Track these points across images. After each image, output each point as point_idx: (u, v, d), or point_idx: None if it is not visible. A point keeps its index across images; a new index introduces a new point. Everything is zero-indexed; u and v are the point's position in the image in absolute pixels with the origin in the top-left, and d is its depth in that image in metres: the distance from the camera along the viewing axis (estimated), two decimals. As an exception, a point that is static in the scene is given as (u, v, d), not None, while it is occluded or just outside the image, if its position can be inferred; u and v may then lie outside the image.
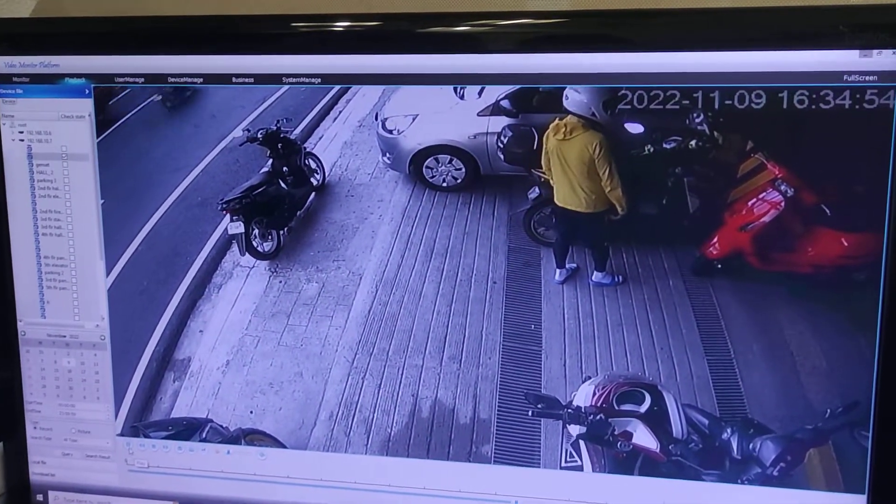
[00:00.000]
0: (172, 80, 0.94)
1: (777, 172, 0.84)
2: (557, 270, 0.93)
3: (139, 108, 0.96)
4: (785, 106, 0.83)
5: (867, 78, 0.81)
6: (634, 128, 0.87)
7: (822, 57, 0.82)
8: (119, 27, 0.95)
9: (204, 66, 0.94)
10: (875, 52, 0.80)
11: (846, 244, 0.84)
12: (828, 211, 0.84)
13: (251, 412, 1.00)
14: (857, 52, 0.81)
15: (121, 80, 0.96)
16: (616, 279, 0.91)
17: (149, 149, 0.97)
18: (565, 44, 0.87)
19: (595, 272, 0.92)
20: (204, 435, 1.03)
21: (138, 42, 0.96)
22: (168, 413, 1.03)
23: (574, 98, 0.87)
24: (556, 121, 0.89)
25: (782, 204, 0.84)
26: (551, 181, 0.90)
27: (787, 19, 0.83)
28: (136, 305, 1.01)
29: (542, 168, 0.89)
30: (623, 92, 0.85)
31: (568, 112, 0.89)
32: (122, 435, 1.04)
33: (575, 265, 0.91)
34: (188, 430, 1.04)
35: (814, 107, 0.82)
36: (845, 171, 0.83)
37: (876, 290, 0.84)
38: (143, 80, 0.95)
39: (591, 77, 0.86)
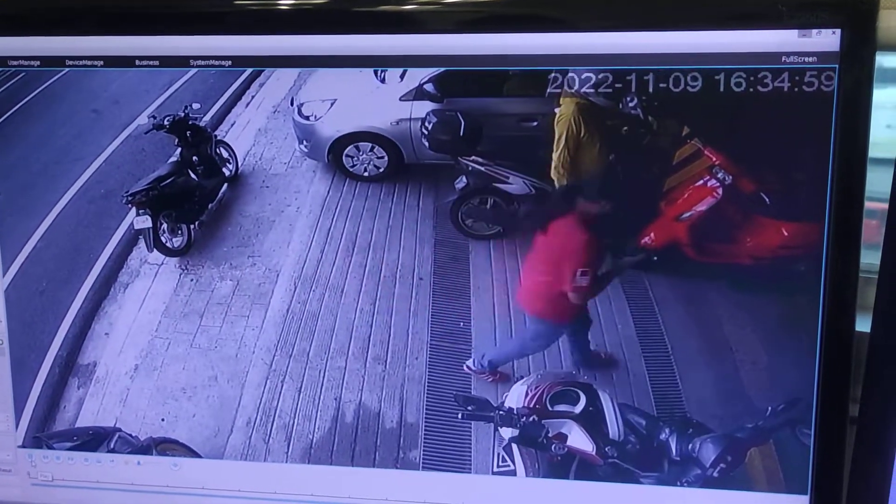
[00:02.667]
0: (71, 62, 0.91)
1: (714, 159, 0.83)
2: None
3: (35, 93, 0.91)
4: (722, 89, 0.82)
5: (806, 59, 0.80)
6: (566, 112, 0.84)
7: (759, 37, 0.81)
8: (11, 6, 0.90)
9: (105, 47, 0.91)
10: (814, 31, 0.79)
11: (786, 234, 0.83)
12: (767, 199, 0.83)
13: (162, 420, 0.97)
14: (795, 31, 0.80)
15: (14, 63, 0.92)
16: None
17: (46, 137, 0.94)
18: (491, 24, 0.85)
19: None
20: (112, 445, 1.00)
21: (32, 22, 0.91)
22: (73, 422, 1.00)
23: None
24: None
25: (720, 192, 0.83)
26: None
27: (724, -2, 0.81)
28: (35, 307, 0.98)
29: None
30: (553, 75, 0.82)
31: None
32: (23, 446, 1.01)
33: None
34: (95, 440, 1.01)
35: (751, 90, 0.81)
36: (785, 157, 0.83)
37: (817, 282, 0.84)
38: (38, 63, 0.92)
39: (520, 59, 0.84)
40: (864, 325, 0.84)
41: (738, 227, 0.85)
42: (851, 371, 0.85)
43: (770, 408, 0.88)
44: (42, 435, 1.01)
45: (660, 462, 0.91)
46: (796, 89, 0.81)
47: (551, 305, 0.90)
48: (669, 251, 0.87)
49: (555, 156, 0.87)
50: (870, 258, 0.84)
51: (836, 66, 0.80)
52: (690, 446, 0.89)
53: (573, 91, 0.84)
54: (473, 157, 0.88)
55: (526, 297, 0.90)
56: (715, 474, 0.90)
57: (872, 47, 0.80)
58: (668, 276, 0.88)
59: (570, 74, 0.84)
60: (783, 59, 0.81)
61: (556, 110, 0.86)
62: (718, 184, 0.84)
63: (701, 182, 0.85)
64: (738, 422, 0.89)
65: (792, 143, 0.83)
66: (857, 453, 0.86)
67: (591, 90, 0.84)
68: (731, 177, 0.84)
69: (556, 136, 0.86)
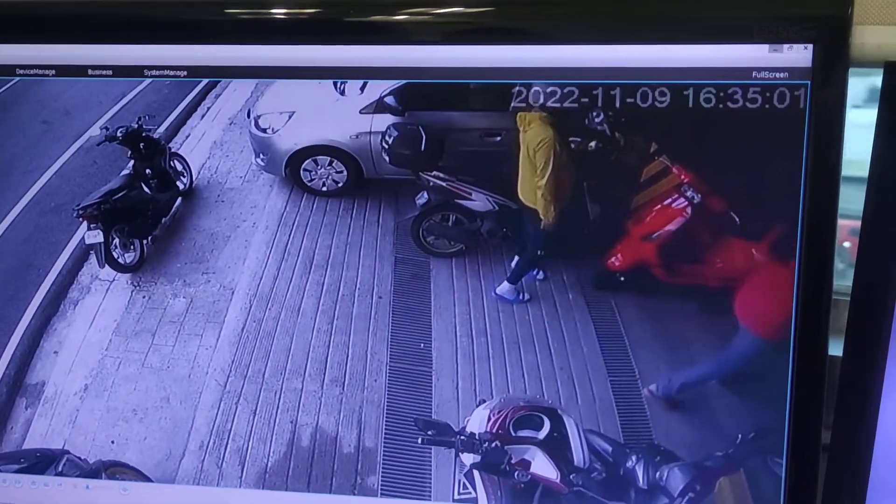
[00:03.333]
0: (21, 71, 0.88)
1: (683, 177, 0.80)
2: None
3: (-18, 103, 0.89)
4: (690, 105, 0.79)
5: (777, 75, 0.78)
6: (529, 127, 0.81)
7: (729, 52, 0.79)
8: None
9: (57, 56, 0.89)
10: (786, 46, 0.77)
11: (757, 255, 0.79)
12: (737, 219, 0.81)
13: (113, 442, 0.94)
14: (766, 46, 0.78)
15: (-39, 71, 0.88)
16: (521, 296, 0.86)
17: (-6, 149, 0.90)
18: (454, 36, 0.83)
19: (505, 283, 0.86)
20: (60, 468, 0.97)
21: (-19, 29, 0.88)
22: (20, 444, 0.97)
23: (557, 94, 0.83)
24: (521, 112, 0.84)
25: (689, 211, 0.81)
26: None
27: (693, 11, 0.79)
28: (-19, 324, 0.93)
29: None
30: (518, 88, 0.80)
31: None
32: (-33, 469, 0.96)
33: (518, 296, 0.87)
34: (42, 462, 0.98)
35: (721, 106, 0.79)
36: (756, 175, 0.81)
37: (789, 306, 0.80)
38: (-14, 71, 0.88)
39: (483, 72, 0.82)
40: (836, 349, 0.81)
41: (708, 248, 0.83)
42: (824, 397, 0.82)
43: (740, 436, 0.86)
44: (-13, 457, 0.96)
45: (626, 491, 0.89)
46: (767, 106, 0.79)
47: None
48: (636, 272, 0.85)
49: (541, 182, 0.85)
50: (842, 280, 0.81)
51: (808, 82, 0.78)
52: (658, 474, 0.86)
53: (539, 105, 0.81)
54: (435, 173, 0.86)
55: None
56: (683, 503, 0.86)
57: (845, 63, 0.78)
58: (635, 297, 0.86)
59: (534, 89, 0.81)
60: (753, 74, 0.79)
61: (522, 132, 0.82)
62: (687, 202, 0.82)
63: (669, 200, 0.82)
64: (708, 450, 0.87)
65: (763, 161, 0.81)
66: (829, 482, 0.83)
67: (558, 104, 0.81)
68: (700, 195, 0.82)
69: (540, 164, 0.85)
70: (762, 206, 0.82)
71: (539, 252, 0.87)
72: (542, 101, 0.82)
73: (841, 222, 0.81)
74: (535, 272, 0.88)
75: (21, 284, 0.95)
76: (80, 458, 0.97)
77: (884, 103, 0.76)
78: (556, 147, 0.83)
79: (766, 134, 0.81)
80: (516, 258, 0.88)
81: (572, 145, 0.83)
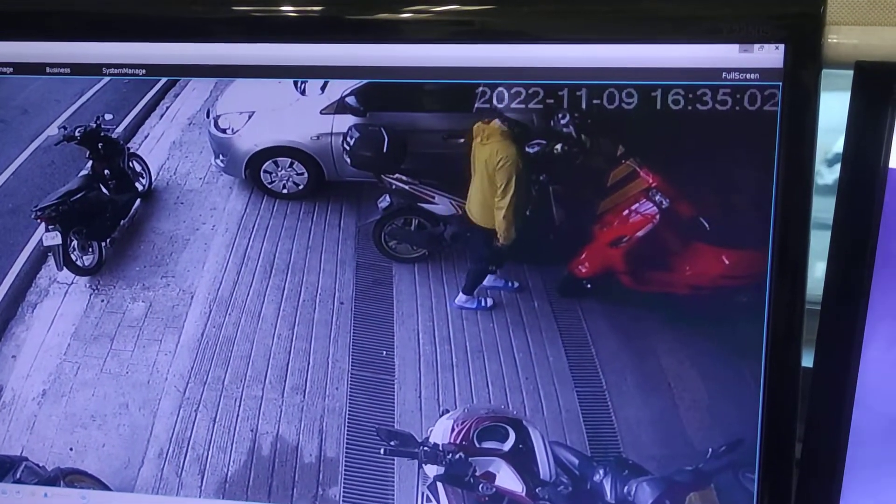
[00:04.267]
0: (-23, 70, 0.86)
1: (651, 181, 0.79)
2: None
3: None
4: (659, 106, 0.78)
5: (748, 76, 0.76)
6: (495, 129, 0.80)
7: (698, 52, 0.77)
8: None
9: (14, 53, 0.88)
10: (756, 46, 0.75)
11: (727, 262, 0.79)
12: (707, 225, 0.79)
13: (71, 449, 0.93)
14: (736, 46, 0.76)
15: (-84, 69, 0.87)
16: (482, 303, 0.84)
17: (-52, 149, 0.89)
18: (416, 34, 0.81)
19: (461, 294, 0.84)
20: (18, 475, 0.96)
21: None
22: (-23, 450, 0.93)
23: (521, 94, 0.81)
24: (479, 123, 0.82)
25: (657, 217, 0.79)
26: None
27: (661, 9, 0.77)
28: (-62, 327, 0.92)
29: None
30: (481, 89, 0.78)
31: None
32: (-77, 475, 0.95)
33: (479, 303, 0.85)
34: (0, 469, 0.96)
35: (690, 108, 0.77)
36: (726, 180, 0.79)
37: (760, 315, 0.79)
38: (-58, 69, 0.87)
39: (447, 72, 0.80)
40: (808, 360, 0.79)
41: (677, 255, 0.81)
42: (798, 409, 0.80)
43: (711, 449, 0.84)
44: (-56, 463, 0.95)
45: (594, 505, 0.84)
46: (737, 108, 0.77)
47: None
48: (604, 279, 0.83)
49: (503, 203, 0.84)
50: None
51: (780, 83, 0.76)
52: (626, 489, 0.84)
53: (501, 111, 0.79)
54: (397, 175, 0.84)
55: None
56: (653, 520, 0.83)
57: (818, 64, 0.76)
58: (602, 305, 0.84)
59: (498, 90, 0.79)
60: (723, 75, 0.77)
61: (476, 144, 0.81)
62: (655, 207, 0.80)
63: (637, 205, 0.80)
64: (677, 464, 0.85)
65: (733, 164, 0.79)
66: (800, 495, 0.81)
67: (522, 106, 0.79)
68: (668, 200, 0.80)
69: (502, 184, 0.83)
70: (733, 211, 0.79)
71: (491, 268, 0.85)
72: (506, 101, 0.80)
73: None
74: (509, 283, 0.86)
75: (-22, 287, 0.93)
76: (38, 465, 0.96)
77: (854, 104, 0.73)
78: (519, 165, 0.81)
79: (736, 136, 0.79)
80: (467, 270, 0.85)
81: (533, 154, 0.80)
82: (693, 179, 0.81)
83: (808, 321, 0.80)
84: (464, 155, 0.82)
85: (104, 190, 0.93)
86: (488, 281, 0.86)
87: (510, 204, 0.82)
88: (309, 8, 0.83)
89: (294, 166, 0.90)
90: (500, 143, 0.82)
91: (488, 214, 0.84)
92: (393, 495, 0.89)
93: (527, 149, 0.82)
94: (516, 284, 0.86)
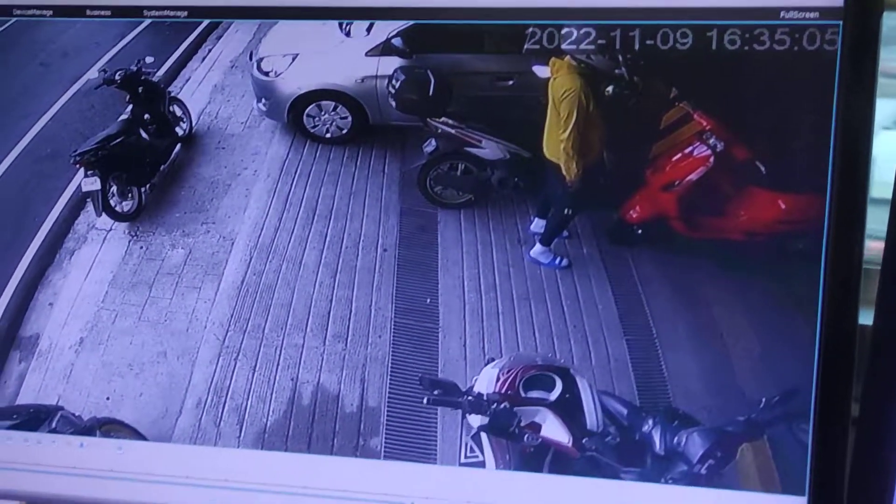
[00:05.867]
0: (18, 11, 0.87)
1: (705, 124, 0.78)
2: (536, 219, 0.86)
3: (-22, 44, 0.87)
4: (714, 47, 0.77)
5: (807, 15, 0.75)
6: (542, 71, 0.80)
7: (756, -10, 0.74)
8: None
9: (54, -5, 0.85)
10: (816, -16, 0.73)
11: (783, 207, 0.79)
12: (762, 168, 0.78)
13: (108, 398, 0.93)
14: (796, -16, 0.73)
15: (-42, 11, 0.87)
16: (558, 261, 0.83)
17: (-12, 92, 0.89)
18: (465, -28, 0.79)
19: (538, 245, 0.85)
20: (54, 425, 0.95)
21: (-23, -34, 0.86)
22: (13, 399, 0.96)
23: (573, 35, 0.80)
24: (554, 58, 0.81)
25: (711, 160, 0.78)
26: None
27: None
28: (-25, 274, 0.92)
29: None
30: (531, 30, 0.77)
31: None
32: (-41, 424, 0.95)
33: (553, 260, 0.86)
34: (35, 418, 0.96)
35: (746, 48, 0.76)
36: (782, 122, 0.78)
37: (817, 261, 0.78)
38: (-18, 11, 0.87)
39: (495, 12, 0.79)
40: (865, 318, 0.78)
41: (731, 199, 0.80)
42: (855, 359, 0.79)
43: (764, 400, 0.83)
44: (-20, 413, 0.95)
45: (642, 456, 0.85)
46: (795, 48, 0.76)
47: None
48: (655, 225, 0.82)
49: (563, 136, 0.83)
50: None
51: (840, 22, 0.74)
52: (676, 440, 0.83)
53: (569, 50, 0.78)
54: (443, 119, 0.84)
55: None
56: (703, 471, 0.84)
57: (880, 2, 0.74)
58: (653, 252, 0.83)
59: (549, 30, 0.78)
60: (782, 14, 0.76)
61: (551, 79, 0.80)
62: (709, 151, 0.79)
63: (690, 149, 0.80)
64: (729, 414, 0.84)
65: (790, 106, 0.79)
66: (857, 454, 0.80)
67: (573, 47, 0.78)
68: (722, 143, 0.79)
69: (564, 115, 0.82)
70: (789, 154, 0.78)
71: (567, 211, 0.84)
72: (556, 43, 0.78)
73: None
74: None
75: (16, 233, 0.94)
76: (74, 414, 0.95)
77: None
78: (582, 98, 0.81)
79: (794, 77, 0.78)
80: (535, 220, 0.86)
81: (600, 97, 0.79)
82: (748, 122, 0.80)
83: (868, 281, 0.78)
84: (525, 88, 0.80)
85: (144, 134, 0.92)
86: (535, 226, 0.85)
87: (570, 137, 0.81)
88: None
89: (338, 110, 0.89)
90: (567, 75, 0.82)
91: (556, 147, 0.83)
92: (435, 446, 0.88)
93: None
94: (565, 233, 0.85)
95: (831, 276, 0.78)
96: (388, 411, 0.88)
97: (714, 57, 0.77)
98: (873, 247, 0.77)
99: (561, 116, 0.81)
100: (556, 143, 0.82)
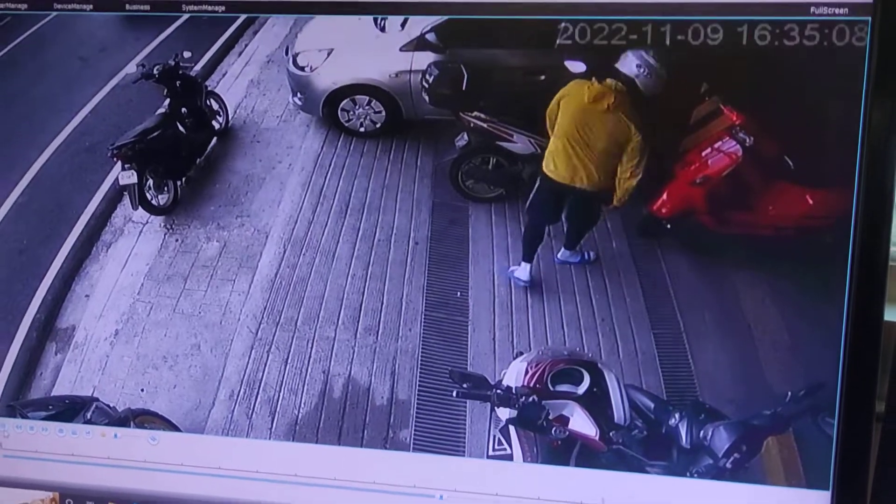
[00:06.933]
0: (59, 6, 0.88)
1: (735, 119, 0.78)
2: (526, 267, 0.87)
3: (20, 38, 0.88)
4: (744, 42, 0.77)
5: (836, 11, 0.75)
6: (576, 66, 0.80)
7: (787, -15, 0.75)
8: (-3, -54, 0.88)
9: (95, -10, 0.86)
10: (846, -20, 0.73)
11: (811, 202, 0.79)
12: (791, 164, 0.78)
13: (142, 390, 0.94)
14: (826, -20, 0.74)
15: (0, 6, 0.88)
16: (586, 256, 0.84)
17: (31, 86, 0.91)
18: (498, -31, 0.79)
19: (563, 250, 0.85)
20: (89, 416, 0.96)
21: (20, -36, 0.88)
22: (48, 390, 0.97)
23: (633, 63, 0.80)
24: (594, 82, 0.83)
25: (740, 155, 0.79)
26: (538, 144, 0.83)
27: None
28: (14, 266, 0.96)
29: (533, 127, 0.84)
30: (564, 25, 0.78)
31: (620, 76, 0.82)
32: (-4, 414, 0.96)
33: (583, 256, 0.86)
34: (71, 409, 0.97)
35: (777, 43, 0.76)
36: (812, 118, 0.78)
37: (844, 255, 0.78)
38: (25, 6, 0.88)
39: (529, 7, 0.79)
40: (890, 315, 0.78)
41: (760, 194, 0.80)
42: (880, 353, 0.79)
43: (790, 393, 0.83)
44: (16, 403, 0.97)
45: (668, 450, 0.85)
46: (825, 43, 0.76)
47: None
48: (684, 219, 0.82)
49: (630, 177, 0.85)
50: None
51: (870, 18, 0.75)
52: (702, 433, 0.83)
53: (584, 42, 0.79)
54: (476, 114, 0.84)
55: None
56: (728, 465, 0.84)
57: (909, -1, 0.74)
58: (681, 245, 0.83)
59: (580, 25, 0.78)
60: (812, 9, 0.77)
61: (598, 109, 0.83)
62: (739, 146, 0.79)
63: (720, 143, 0.80)
64: (755, 408, 0.84)
65: (819, 102, 0.79)
66: (883, 449, 0.79)
67: (604, 42, 0.79)
68: (752, 138, 0.79)
69: (634, 159, 0.84)
70: (818, 149, 0.78)
71: (598, 221, 0.85)
72: (588, 38, 0.79)
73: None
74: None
75: (54, 226, 0.95)
76: (108, 405, 0.96)
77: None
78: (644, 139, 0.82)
79: (823, 73, 0.78)
80: (563, 250, 0.87)
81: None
82: (778, 117, 0.80)
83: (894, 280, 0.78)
84: (546, 92, 0.82)
85: (181, 128, 0.93)
86: (563, 255, 0.86)
87: (639, 174, 0.82)
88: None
89: (372, 104, 0.90)
90: (630, 115, 0.84)
91: (607, 180, 0.84)
92: (464, 438, 0.89)
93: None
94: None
95: (858, 271, 0.78)
96: (417, 404, 0.89)
97: (744, 52, 0.78)
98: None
99: (628, 158, 0.82)
100: (607, 175, 0.84)
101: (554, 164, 0.84)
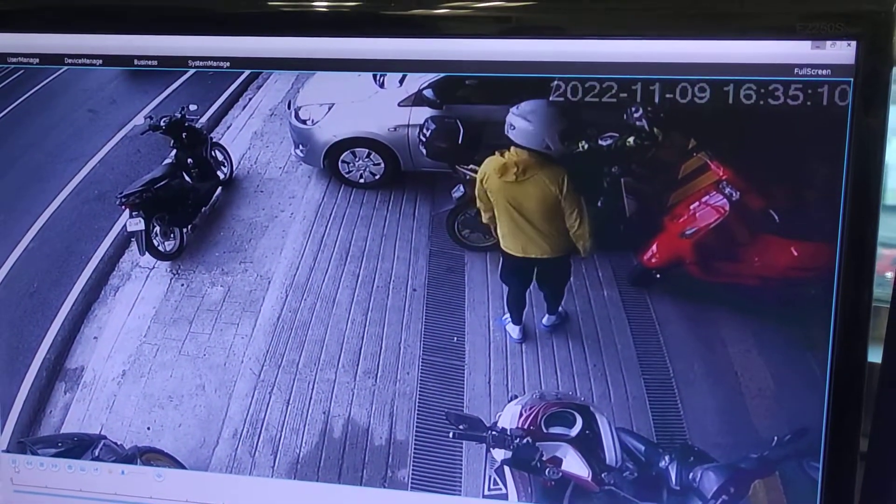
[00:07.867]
0: (70, 61, 0.90)
1: (721, 174, 0.80)
2: (516, 327, 0.89)
3: (32, 91, 0.90)
4: (731, 101, 0.79)
5: (819, 72, 0.77)
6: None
7: (771, 48, 0.78)
8: (12, 3, 0.90)
9: (104, 46, 0.91)
10: (828, 43, 0.77)
11: (796, 254, 0.80)
12: (776, 217, 0.80)
13: (148, 428, 0.95)
14: (808, 42, 0.77)
15: (13, 60, 0.92)
16: (564, 314, 0.86)
17: (42, 136, 0.94)
18: (493, 29, 0.82)
19: (547, 315, 0.88)
20: (96, 453, 0.99)
21: (33, 19, 0.91)
22: (58, 428, 0.99)
23: (522, 128, 0.83)
24: (497, 156, 0.85)
25: (727, 208, 0.80)
26: (493, 227, 0.88)
27: (734, 5, 0.78)
28: (25, 308, 0.97)
29: (477, 202, 0.88)
30: (556, 83, 0.80)
31: (513, 145, 0.85)
32: (7, 451, 1.00)
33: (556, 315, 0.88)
34: (79, 447, 0.99)
35: (762, 102, 0.78)
36: (796, 173, 0.80)
37: (828, 307, 0.80)
38: (37, 60, 0.91)
39: (522, 66, 0.82)
40: (874, 355, 0.80)
41: (746, 246, 0.82)
42: (863, 401, 0.81)
43: (776, 438, 0.85)
44: (27, 440, 0.99)
45: (658, 491, 0.87)
46: (809, 103, 0.79)
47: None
48: (673, 269, 0.84)
49: (576, 226, 0.87)
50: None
51: (851, 79, 0.77)
52: (691, 475, 0.85)
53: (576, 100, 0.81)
54: (471, 166, 0.86)
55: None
56: (717, 506, 0.84)
57: (890, 60, 0.77)
58: (671, 294, 0.85)
59: (572, 83, 0.80)
60: (795, 71, 0.79)
61: (523, 184, 0.86)
62: (725, 200, 0.81)
63: (707, 197, 0.82)
64: (743, 451, 0.86)
65: (803, 159, 0.81)
66: (866, 490, 0.81)
67: (595, 100, 0.81)
68: (738, 193, 0.81)
69: (573, 207, 0.87)
70: (803, 204, 0.81)
71: (565, 287, 0.87)
72: (579, 96, 0.81)
73: (883, 251, 0.79)
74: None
75: (64, 270, 0.97)
76: (116, 443, 0.98)
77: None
78: (573, 182, 0.84)
79: (807, 132, 0.80)
80: (546, 315, 0.90)
81: (606, 146, 0.82)
82: (763, 173, 0.82)
83: (877, 319, 0.80)
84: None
85: (187, 178, 0.96)
86: (547, 321, 0.89)
87: (584, 221, 0.85)
88: (389, 4, 0.85)
89: (371, 157, 0.92)
90: (546, 170, 0.86)
91: (562, 243, 0.87)
92: (460, 478, 0.91)
93: (599, 142, 0.83)
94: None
95: (841, 322, 0.80)
96: (415, 444, 0.91)
97: (730, 110, 0.80)
98: (887, 254, 0.79)
99: (568, 211, 0.85)
100: (559, 238, 0.87)
101: (506, 242, 0.87)
